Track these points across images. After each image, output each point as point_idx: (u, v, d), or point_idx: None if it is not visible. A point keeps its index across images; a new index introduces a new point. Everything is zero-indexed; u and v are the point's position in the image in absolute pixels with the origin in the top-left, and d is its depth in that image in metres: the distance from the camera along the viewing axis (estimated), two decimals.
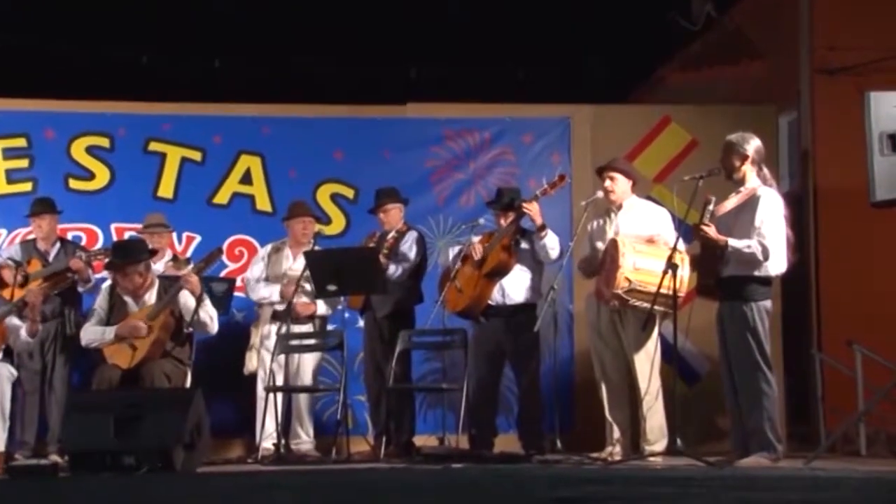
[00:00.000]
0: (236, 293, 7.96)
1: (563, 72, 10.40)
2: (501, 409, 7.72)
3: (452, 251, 7.59)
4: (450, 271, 7.41)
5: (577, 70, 10.52)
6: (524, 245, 7.37)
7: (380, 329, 7.63)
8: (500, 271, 7.30)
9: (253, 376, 7.64)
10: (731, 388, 6.45)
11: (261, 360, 7.60)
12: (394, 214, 7.73)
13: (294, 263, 7.69)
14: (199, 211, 8.21)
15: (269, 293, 7.68)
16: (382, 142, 8.38)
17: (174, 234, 8.05)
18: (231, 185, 8.29)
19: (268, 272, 7.76)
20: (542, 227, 7.18)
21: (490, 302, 7.35)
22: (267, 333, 7.63)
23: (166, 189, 8.21)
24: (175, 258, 7.80)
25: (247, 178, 8.30)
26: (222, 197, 8.28)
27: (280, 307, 7.58)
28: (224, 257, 7.82)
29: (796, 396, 8.28)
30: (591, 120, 8.51)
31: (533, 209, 7.16)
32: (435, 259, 8.06)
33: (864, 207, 6.87)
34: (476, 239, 7.43)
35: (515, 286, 7.34)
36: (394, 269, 7.57)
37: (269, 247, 7.88)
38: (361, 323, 7.89)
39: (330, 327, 7.86)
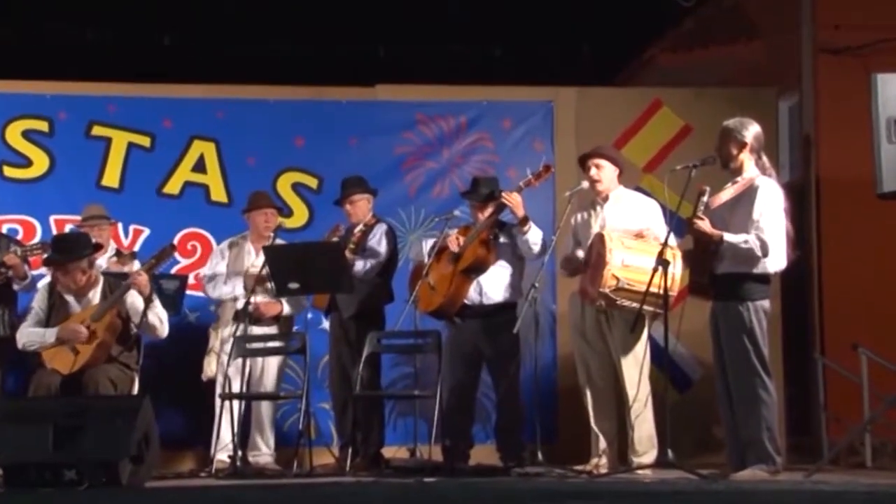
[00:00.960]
0: (189, 292, 7.94)
1: (546, 51, 10.41)
2: (478, 417, 7.73)
3: (426, 244, 7.59)
4: (422, 267, 7.41)
5: (560, 49, 10.53)
6: (503, 239, 7.39)
7: (346, 331, 7.62)
8: (478, 268, 7.32)
9: (212, 382, 7.64)
10: (725, 394, 6.47)
11: (220, 364, 7.61)
12: (361, 206, 7.72)
13: (256, 259, 7.69)
14: (147, 202, 8.19)
15: (232, 288, 7.68)
16: (349, 127, 8.37)
17: (120, 228, 8.03)
18: (183, 174, 8.26)
19: (228, 269, 7.76)
20: (525, 221, 7.19)
21: (466, 301, 7.36)
22: (227, 336, 7.62)
23: (111, 177, 8.17)
24: (119, 253, 7.75)
25: (200, 166, 8.28)
26: (173, 186, 8.25)
27: (241, 306, 7.55)
28: (175, 253, 7.79)
29: (797, 404, 8.33)
30: (575, 104, 8.53)
31: (514, 201, 7.18)
32: (406, 254, 8.06)
33: (871, 199, 6.91)
34: (453, 232, 7.44)
35: (494, 284, 7.36)
36: (361, 266, 7.56)
37: (227, 242, 7.88)
38: (326, 324, 7.89)
39: (293, 329, 7.85)
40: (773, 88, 8.72)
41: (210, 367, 7.68)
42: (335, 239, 7.60)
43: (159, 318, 7.13)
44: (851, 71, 8.19)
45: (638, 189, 7.81)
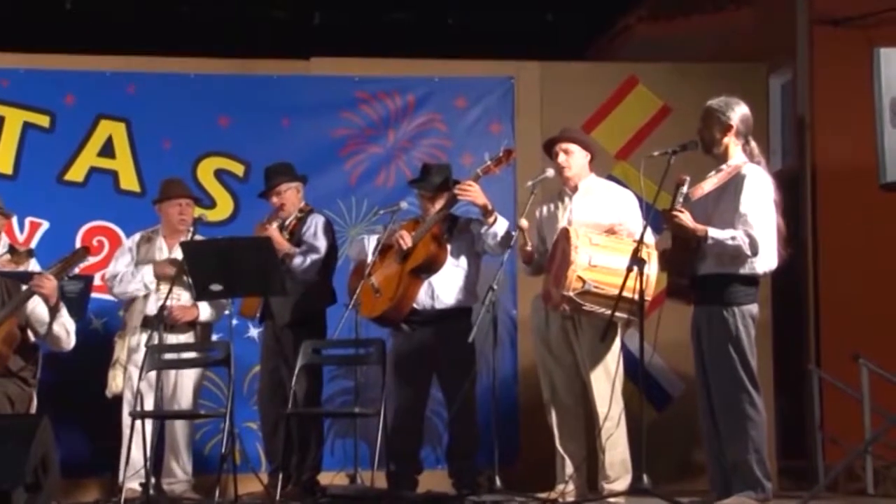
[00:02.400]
0: (94, 294, 7.90)
1: (505, 20, 10.41)
2: (427, 438, 7.76)
3: (369, 241, 7.57)
4: (364, 267, 7.40)
5: (521, 17, 10.53)
6: (459, 234, 7.40)
7: (279, 339, 7.63)
8: (429, 267, 7.32)
9: (117, 399, 7.61)
10: (708, 412, 6.49)
11: (128, 378, 7.57)
12: (290, 197, 7.71)
13: (170, 256, 7.69)
14: (46, 190, 8.16)
15: (139, 279, 7.66)
16: (280, 106, 8.38)
17: (15, 221, 7.96)
18: (88, 159, 8.24)
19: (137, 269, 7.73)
20: (490, 212, 7.21)
21: (415, 305, 7.36)
22: (136, 345, 7.60)
23: (4, 163, 8.14)
24: (13, 250, 7.66)
25: (108, 150, 8.25)
26: (76, 173, 8.23)
27: (153, 312, 7.54)
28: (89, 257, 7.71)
29: (789, 422, 8.39)
30: (539, 80, 8.57)
31: (472, 191, 7.19)
32: (343, 252, 8.05)
33: (874, 190, 6.95)
34: (399, 226, 7.44)
35: (446, 286, 7.37)
36: (300, 261, 7.56)
37: (137, 236, 7.85)
38: (253, 332, 7.88)
39: (214, 337, 7.84)
40: (764, 64, 8.78)
41: (116, 381, 7.64)
42: (265, 233, 7.56)
43: (66, 328, 7.03)
44: (852, 44, 8.23)
45: (610, 178, 7.84)
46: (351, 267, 7.72)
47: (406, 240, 7.31)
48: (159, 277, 7.59)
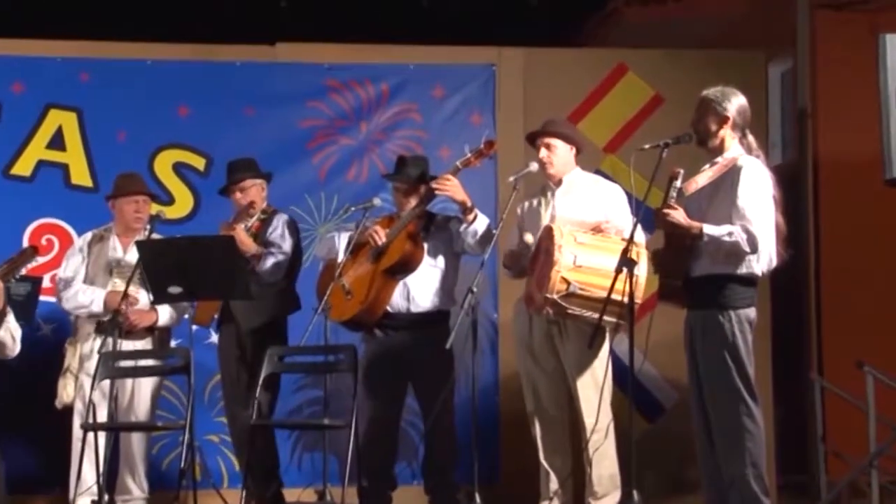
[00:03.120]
0: (43, 297, 7.85)
1: (486, 2, 10.41)
2: (402, 452, 7.76)
3: (340, 238, 7.54)
4: (334, 267, 7.38)
5: (504, 0, 10.54)
6: (436, 230, 7.40)
7: (241, 346, 7.62)
8: (405, 267, 7.31)
9: (68, 410, 7.59)
10: (703, 424, 6.49)
11: (79, 388, 7.55)
12: (254, 194, 7.71)
13: (125, 258, 7.67)
14: None
15: (90, 300, 7.62)
16: (243, 94, 8.39)
17: None
18: (36, 151, 8.23)
19: (89, 271, 7.70)
20: (470, 209, 7.21)
21: (389, 308, 7.36)
22: (88, 353, 7.58)
23: None
24: None
25: (58, 142, 8.25)
26: (24, 167, 8.22)
27: (107, 316, 7.53)
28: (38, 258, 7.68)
29: (789, 435, 8.40)
30: (522, 68, 8.59)
31: (451, 185, 7.18)
32: (310, 254, 8.05)
33: (879, 186, 6.97)
34: (372, 223, 7.43)
35: (423, 288, 7.37)
36: (268, 263, 7.57)
37: (89, 235, 7.83)
38: (215, 337, 7.86)
39: (173, 343, 7.85)
40: (763, 51, 8.78)
41: (66, 391, 7.61)
42: (229, 232, 7.55)
43: (12, 334, 7.02)
44: (856, 30, 8.27)
45: (598, 172, 7.85)
46: (320, 267, 7.69)
47: (380, 236, 7.30)
48: (107, 309, 7.54)
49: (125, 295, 7.37)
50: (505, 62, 8.59)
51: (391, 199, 7.68)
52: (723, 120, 6.49)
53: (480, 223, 7.20)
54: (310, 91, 8.46)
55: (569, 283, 6.70)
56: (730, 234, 6.26)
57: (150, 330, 7.71)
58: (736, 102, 6.51)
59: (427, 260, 7.36)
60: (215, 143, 8.28)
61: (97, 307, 7.59)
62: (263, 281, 7.54)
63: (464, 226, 7.23)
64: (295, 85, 8.45)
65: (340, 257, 7.38)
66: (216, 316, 7.73)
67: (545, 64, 8.66)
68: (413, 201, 7.40)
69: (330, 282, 7.29)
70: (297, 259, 7.75)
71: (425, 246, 7.37)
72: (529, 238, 7.10)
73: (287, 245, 7.63)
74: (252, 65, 8.45)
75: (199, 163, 8.34)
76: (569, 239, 6.76)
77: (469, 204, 7.20)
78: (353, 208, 7.72)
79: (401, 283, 7.33)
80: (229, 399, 7.73)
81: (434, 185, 7.25)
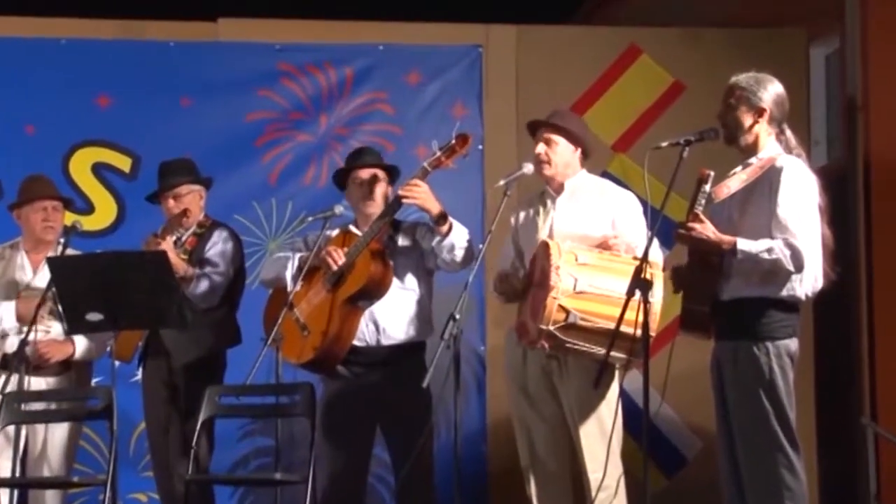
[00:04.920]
0: None
1: None
2: None
3: (291, 260, 7.49)
4: (283, 294, 7.34)
5: None
6: (403, 244, 7.38)
7: (172, 385, 7.62)
8: (373, 293, 7.30)
9: None
10: (733, 478, 6.49)
11: None
12: (189, 202, 7.68)
13: (35, 277, 7.69)
14: None
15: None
16: (178, 81, 8.43)
17: None
18: None
19: None
20: (443, 217, 7.17)
21: (355, 342, 7.32)
22: None
23: None
24: None
25: None
26: None
27: (13, 348, 7.49)
28: None
29: (836, 490, 8.41)
30: (514, 49, 8.64)
31: (418, 192, 7.13)
32: (257, 274, 8.04)
33: None
34: (332, 233, 7.42)
35: (394, 316, 7.35)
36: (206, 286, 7.57)
37: None
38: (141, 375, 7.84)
39: (94, 381, 7.86)
40: (803, 30, 8.81)
41: None
42: (157, 248, 7.51)
43: None
44: None
45: (605, 175, 7.85)
46: (268, 294, 7.65)
47: (338, 256, 7.24)
48: (22, 321, 7.55)
49: (42, 302, 7.35)
50: (493, 42, 8.64)
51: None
52: (756, 112, 6.49)
53: (458, 235, 7.17)
54: (258, 77, 8.52)
55: (568, 313, 6.66)
56: (769, 250, 6.24)
57: (66, 365, 7.70)
58: (772, 91, 6.52)
59: (395, 282, 7.34)
60: (144, 139, 8.32)
61: (8, 323, 7.60)
62: (195, 307, 7.52)
63: (437, 239, 7.19)
64: (240, 70, 8.50)
65: (289, 285, 7.34)
66: (140, 346, 7.70)
67: (542, 44, 8.69)
68: (375, 207, 7.37)
69: (281, 308, 7.26)
70: (240, 281, 7.76)
71: (392, 264, 7.35)
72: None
73: (225, 265, 7.62)
74: (188, 45, 8.49)
75: (123, 164, 8.39)
76: (568, 258, 6.72)
77: (441, 212, 7.15)
78: (310, 218, 7.69)
79: (367, 312, 7.30)
80: (158, 449, 7.71)
81: (401, 192, 7.21)
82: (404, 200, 7.21)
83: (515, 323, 7.08)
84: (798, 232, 6.24)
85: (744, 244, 6.26)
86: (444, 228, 7.16)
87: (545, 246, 6.84)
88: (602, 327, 6.56)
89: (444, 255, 7.22)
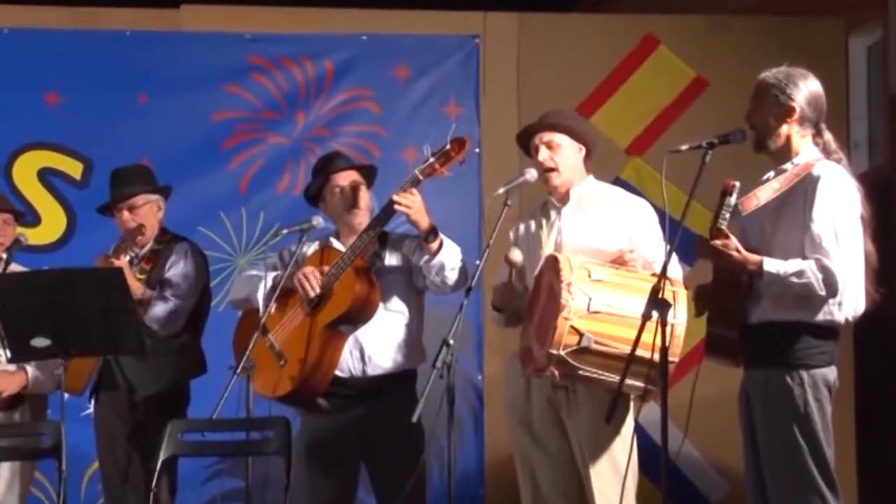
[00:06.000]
0: None
1: None
2: None
3: (264, 279, 7.45)
4: (256, 316, 7.30)
5: None
6: (391, 263, 7.37)
7: (132, 420, 7.64)
8: (358, 317, 7.30)
9: None
10: None
11: None
12: (146, 214, 7.69)
13: None
14: None
15: None
16: (135, 76, 8.45)
17: None
18: None
19: None
20: (432, 233, 7.15)
21: (338, 371, 7.30)
22: None
23: None
24: None
25: None
26: None
27: None
28: None
29: None
30: (516, 40, 8.66)
31: (409, 203, 7.10)
32: (224, 292, 8.02)
33: None
34: (309, 249, 7.43)
35: (381, 342, 7.35)
36: (163, 309, 7.60)
37: None
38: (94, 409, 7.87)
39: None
40: (841, 19, 8.84)
41: None
42: (112, 263, 7.52)
43: None
44: None
45: (618, 182, 7.83)
46: (238, 316, 7.65)
47: (312, 285, 7.19)
48: None
49: None
50: (492, 32, 8.65)
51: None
52: (787, 112, 6.46)
53: (448, 255, 7.16)
54: (226, 71, 8.57)
55: (581, 335, 6.62)
56: (799, 273, 6.21)
57: (19, 398, 7.74)
58: (804, 88, 6.49)
59: (381, 304, 7.34)
60: (97, 142, 8.38)
61: None
62: (155, 333, 7.51)
63: (425, 258, 7.18)
64: (206, 63, 8.56)
65: (262, 309, 7.30)
66: (92, 376, 7.68)
67: (546, 34, 8.72)
68: (361, 217, 7.37)
69: (252, 332, 7.21)
70: (205, 304, 7.77)
71: (380, 283, 7.35)
72: (518, 256, 7.00)
73: (188, 286, 7.64)
74: (147, 35, 8.52)
75: (74, 169, 8.42)
76: (581, 274, 6.69)
77: (431, 228, 7.13)
78: (284, 231, 7.64)
79: (351, 338, 7.27)
80: (113, 492, 7.72)
81: (394, 198, 7.15)
82: (396, 207, 7.17)
83: (518, 349, 7.04)
84: (833, 252, 6.21)
85: (771, 265, 6.23)
86: (434, 246, 7.15)
87: (553, 260, 6.80)
88: (620, 352, 6.50)
89: (433, 277, 7.21)
